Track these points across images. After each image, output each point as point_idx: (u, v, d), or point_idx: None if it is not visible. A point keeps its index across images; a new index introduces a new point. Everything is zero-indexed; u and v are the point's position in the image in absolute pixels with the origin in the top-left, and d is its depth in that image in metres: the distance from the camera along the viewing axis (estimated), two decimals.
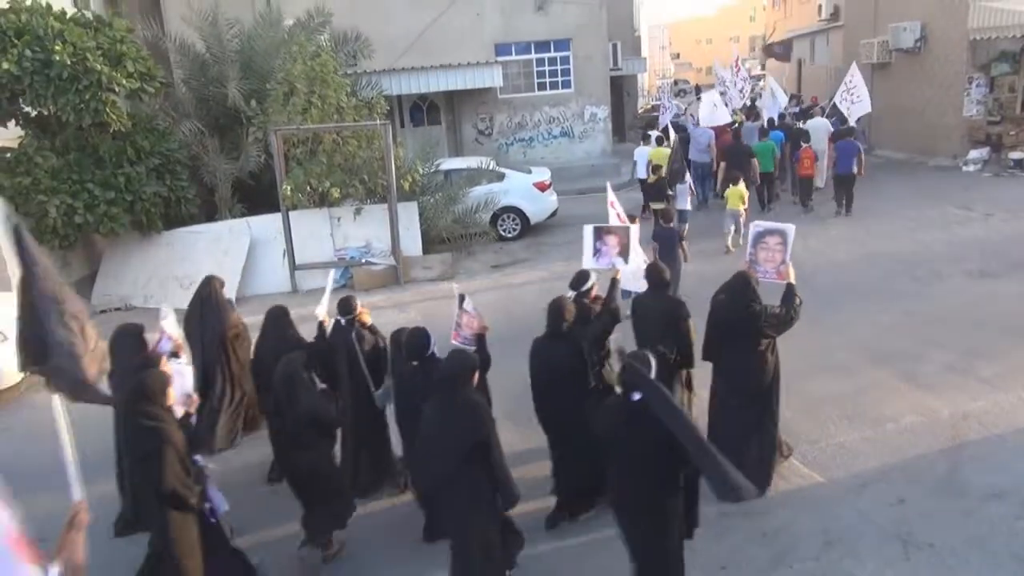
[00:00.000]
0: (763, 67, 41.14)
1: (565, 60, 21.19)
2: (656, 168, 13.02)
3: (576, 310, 5.60)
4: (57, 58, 10.12)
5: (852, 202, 14.02)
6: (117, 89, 10.79)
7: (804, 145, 14.70)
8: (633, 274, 6.86)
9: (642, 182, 14.46)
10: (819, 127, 16.01)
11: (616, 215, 7.93)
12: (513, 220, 14.86)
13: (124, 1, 18.22)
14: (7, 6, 10.68)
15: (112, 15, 11.89)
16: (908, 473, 5.83)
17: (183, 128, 12.81)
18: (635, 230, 7.44)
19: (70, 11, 11.63)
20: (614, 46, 25.21)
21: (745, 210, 12.47)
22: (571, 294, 5.99)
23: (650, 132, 19.02)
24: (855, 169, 13.66)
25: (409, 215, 12.55)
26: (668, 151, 13.75)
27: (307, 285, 12.26)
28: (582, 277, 6.19)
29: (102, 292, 12.13)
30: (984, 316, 8.76)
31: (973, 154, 17.88)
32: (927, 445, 6.20)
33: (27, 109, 10.94)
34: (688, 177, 13.50)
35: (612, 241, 7.08)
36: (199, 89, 13.98)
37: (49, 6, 10.96)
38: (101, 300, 12.03)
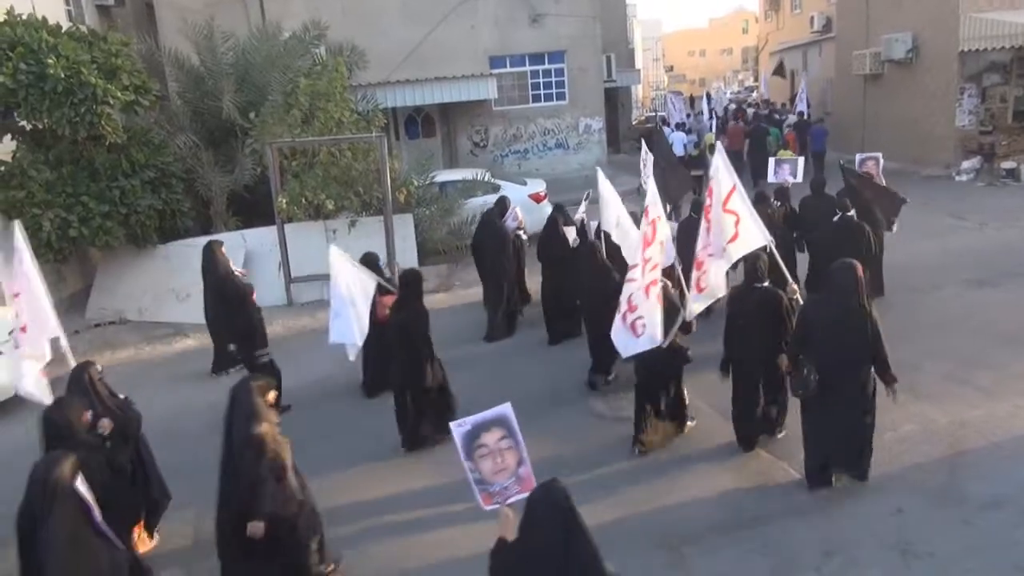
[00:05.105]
0: (755, 79, 41.62)
1: (559, 72, 21.26)
2: (697, 145, 17.75)
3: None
4: (52, 71, 10.10)
5: (823, 171, 17.10)
6: (112, 102, 10.75)
7: (786, 131, 21.24)
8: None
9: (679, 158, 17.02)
10: (793, 122, 22.16)
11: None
12: None
13: (119, 15, 18.27)
14: (2, 20, 10.69)
15: (107, 29, 11.88)
16: (907, 482, 5.83)
17: (178, 141, 12.77)
18: (801, 161, 12.19)
19: (65, 25, 11.65)
20: (608, 58, 25.31)
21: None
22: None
23: (684, 120, 24.19)
24: (825, 147, 19.58)
25: (404, 227, 12.55)
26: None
27: (303, 298, 12.23)
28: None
29: (97, 306, 12.08)
30: (980, 325, 8.80)
31: (965, 164, 18.01)
32: (925, 454, 6.20)
33: (22, 123, 10.92)
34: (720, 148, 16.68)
35: (786, 168, 11.85)
36: (194, 102, 13.96)
37: (44, 20, 10.96)
38: (96, 314, 11.98)
